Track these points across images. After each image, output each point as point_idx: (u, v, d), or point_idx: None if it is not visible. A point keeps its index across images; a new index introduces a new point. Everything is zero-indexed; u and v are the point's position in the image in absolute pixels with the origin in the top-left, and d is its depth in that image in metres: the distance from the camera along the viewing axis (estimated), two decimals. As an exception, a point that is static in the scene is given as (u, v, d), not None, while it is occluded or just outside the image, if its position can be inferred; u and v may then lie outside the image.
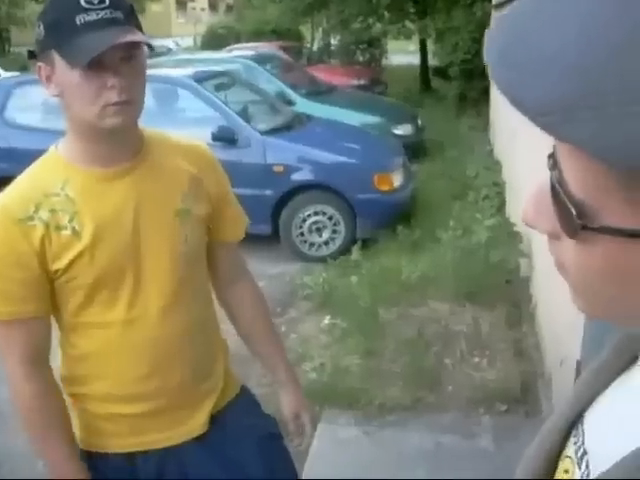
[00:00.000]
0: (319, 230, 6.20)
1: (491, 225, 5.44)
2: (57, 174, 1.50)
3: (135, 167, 1.54)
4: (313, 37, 28.34)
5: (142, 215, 1.53)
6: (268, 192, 6.08)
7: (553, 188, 0.60)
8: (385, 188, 6.13)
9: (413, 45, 22.23)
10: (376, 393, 3.77)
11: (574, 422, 0.84)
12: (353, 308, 4.84)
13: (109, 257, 1.50)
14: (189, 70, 7.07)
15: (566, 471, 0.82)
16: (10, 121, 6.65)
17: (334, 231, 6.19)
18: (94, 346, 1.58)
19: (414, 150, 8.89)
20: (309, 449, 3.27)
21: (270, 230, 6.20)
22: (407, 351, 4.16)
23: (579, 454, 0.81)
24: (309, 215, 6.18)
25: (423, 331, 4.43)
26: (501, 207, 6.56)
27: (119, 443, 1.67)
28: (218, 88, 6.84)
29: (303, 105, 9.12)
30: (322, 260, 6.00)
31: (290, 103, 9.00)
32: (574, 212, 0.57)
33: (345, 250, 6.06)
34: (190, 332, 1.64)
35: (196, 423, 1.71)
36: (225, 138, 5.99)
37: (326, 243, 6.22)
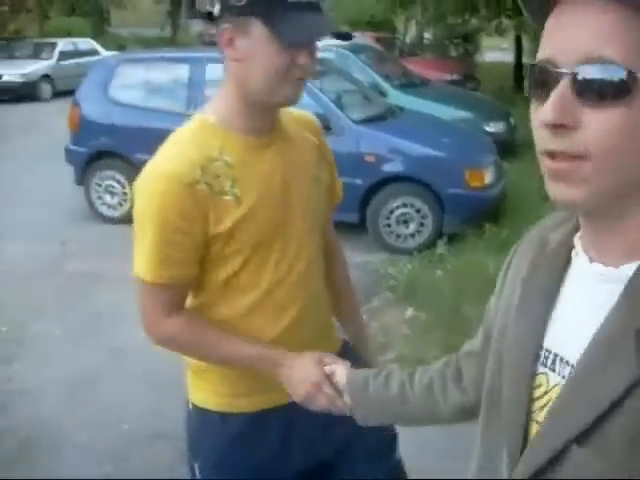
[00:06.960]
0: (406, 222, 6.20)
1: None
2: (213, 140, 1.54)
3: (276, 137, 1.62)
4: (406, 30, 28.07)
5: (288, 182, 1.60)
6: (358, 181, 6.09)
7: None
8: (476, 184, 6.08)
9: (506, 42, 21.81)
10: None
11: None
12: (436, 302, 4.83)
13: (266, 222, 1.56)
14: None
15: (540, 385, 0.85)
16: (113, 98, 6.76)
17: (421, 224, 6.17)
18: (239, 309, 1.61)
19: (505, 148, 8.74)
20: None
21: (358, 219, 6.23)
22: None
23: (549, 362, 0.85)
24: (397, 207, 6.19)
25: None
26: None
27: (252, 401, 1.68)
28: (313, 76, 6.86)
29: (395, 97, 9.08)
30: (407, 252, 6.01)
31: (383, 94, 8.96)
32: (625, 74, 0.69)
33: (431, 244, 6.04)
34: (316, 297, 1.71)
35: None
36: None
37: (412, 235, 6.21)
